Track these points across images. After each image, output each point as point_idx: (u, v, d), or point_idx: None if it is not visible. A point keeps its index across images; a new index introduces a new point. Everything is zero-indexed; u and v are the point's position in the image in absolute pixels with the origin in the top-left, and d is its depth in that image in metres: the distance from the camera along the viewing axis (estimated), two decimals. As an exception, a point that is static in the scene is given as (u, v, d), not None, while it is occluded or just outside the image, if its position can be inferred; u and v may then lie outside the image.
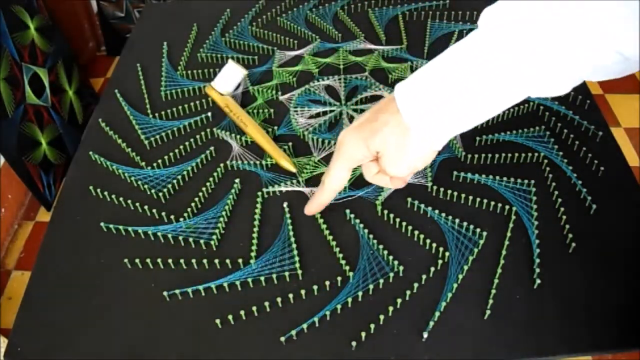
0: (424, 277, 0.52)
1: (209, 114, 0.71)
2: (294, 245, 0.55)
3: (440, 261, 0.53)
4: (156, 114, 0.72)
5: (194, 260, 0.54)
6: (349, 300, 0.50)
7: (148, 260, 0.54)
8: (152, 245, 0.56)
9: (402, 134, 0.45)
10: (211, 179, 0.62)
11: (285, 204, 0.59)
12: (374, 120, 0.47)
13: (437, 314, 0.49)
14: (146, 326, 0.50)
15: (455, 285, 0.51)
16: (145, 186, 0.62)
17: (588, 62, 0.38)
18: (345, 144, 0.48)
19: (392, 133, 0.46)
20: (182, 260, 0.54)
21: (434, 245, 0.54)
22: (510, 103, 0.43)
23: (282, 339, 0.48)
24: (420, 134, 0.45)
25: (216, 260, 0.54)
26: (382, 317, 0.49)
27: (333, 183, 0.51)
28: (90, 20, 2.00)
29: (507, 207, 0.57)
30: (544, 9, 0.38)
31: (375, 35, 0.83)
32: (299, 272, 0.53)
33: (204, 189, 0.61)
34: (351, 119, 0.69)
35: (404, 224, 0.56)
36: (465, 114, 0.44)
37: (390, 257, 0.53)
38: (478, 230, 0.55)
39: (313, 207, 0.55)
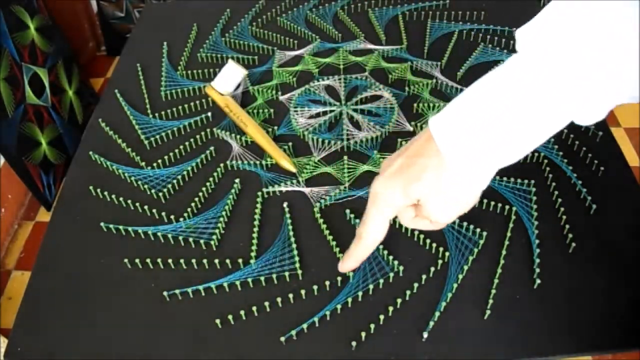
0: (424, 277, 0.52)
1: (209, 114, 0.71)
2: (294, 245, 0.55)
3: (440, 261, 0.53)
4: (156, 114, 0.72)
5: (194, 260, 0.54)
6: (349, 300, 0.50)
7: (148, 260, 0.54)
8: (152, 245, 0.56)
9: (445, 177, 0.41)
10: (211, 179, 0.62)
11: (285, 204, 0.59)
12: (412, 165, 0.42)
13: (437, 314, 0.49)
14: (146, 326, 0.50)
15: (455, 285, 0.51)
16: (145, 186, 0.62)
17: (633, 84, 0.35)
18: (382, 194, 0.44)
19: (434, 178, 0.41)
20: (182, 260, 0.54)
21: (434, 245, 0.54)
22: (555, 131, 0.40)
23: (282, 339, 0.48)
24: (465, 173, 0.41)
25: (216, 260, 0.54)
26: (382, 317, 0.49)
27: (372, 236, 0.46)
28: (90, 20, 2.00)
29: (507, 207, 0.57)
30: (584, 28, 0.35)
31: (375, 35, 0.83)
32: (299, 272, 0.53)
33: (204, 189, 0.61)
34: (351, 119, 0.69)
35: (404, 224, 0.56)
36: (512, 144, 0.40)
37: (390, 257, 0.53)
38: (478, 230, 0.55)
39: (350, 264, 0.49)
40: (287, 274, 0.53)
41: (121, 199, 0.60)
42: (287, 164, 0.62)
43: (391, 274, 0.52)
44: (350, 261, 0.48)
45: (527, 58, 0.39)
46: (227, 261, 0.54)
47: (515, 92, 0.39)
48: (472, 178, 0.42)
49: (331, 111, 0.71)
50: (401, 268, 0.52)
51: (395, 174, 0.43)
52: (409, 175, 0.42)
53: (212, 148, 0.66)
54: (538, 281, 0.50)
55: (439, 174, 0.41)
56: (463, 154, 0.40)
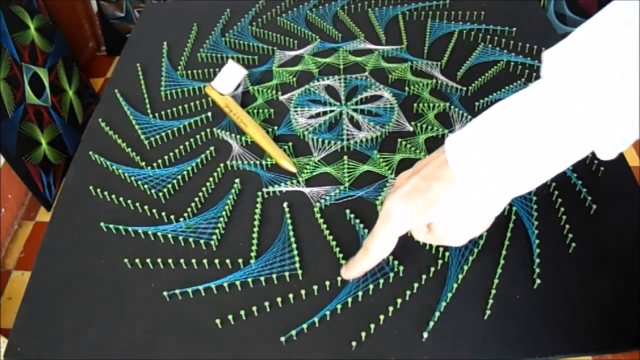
0: (424, 277, 0.52)
1: (209, 114, 0.71)
2: (294, 245, 0.55)
3: (440, 261, 0.53)
4: (156, 114, 0.72)
5: (194, 260, 0.54)
6: (349, 300, 0.50)
7: (148, 260, 0.54)
8: (152, 245, 0.56)
9: (459, 204, 0.41)
10: (211, 179, 0.62)
11: (285, 204, 0.59)
12: (427, 190, 0.42)
13: (437, 314, 0.49)
14: (146, 326, 0.50)
15: (455, 285, 0.51)
16: (145, 186, 0.62)
17: None
18: (394, 215, 0.43)
19: (448, 205, 0.41)
20: (182, 260, 0.54)
21: (434, 245, 0.54)
22: (573, 162, 0.39)
23: (282, 339, 0.48)
24: (479, 200, 0.41)
25: (216, 260, 0.54)
26: (382, 317, 0.49)
27: (379, 252, 0.46)
28: (90, 20, 2.00)
29: (507, 207, 0.57)
30: (611, 57, 0.34)
31: (375, 35, 0.83)
32: (299, 272, 0.53)
33: (204, 189, 0.61)
34: (351, 119, 0.69)
35: (404, 224, 0.56)
36: (530, 173, 0.39)
37: (390, 257, 0.53)
38: (478, 230, 0.55)
39: (353, 274, 0.49)
40: (287, 274, 0.53)
41: (121, 199, 0.60)
42: (287, 164, 0.62)
43: (391, 274, 0.52)
44: (354, 271, 0.49)
45: (551, 85, 0.37)
46: (227, 261, 0.54)
47: (537, 119, 0.37)
48: (486, 204, 0.41)
49: (331, 111, 0.71)
50: (401, 268, 0.52)
51: (408, 195, 0.43)
52: (422, 200, 0.42)
53: (212, 148, 0.66)
54: (538, 281, 0.50)
55: (453, 200, 0.41)
56: (478, 181, 0.39)
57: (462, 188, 0.40)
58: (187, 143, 0.66)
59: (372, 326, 0.48)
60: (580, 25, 0.38)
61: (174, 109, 0.71)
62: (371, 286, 0.51)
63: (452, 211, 0.42)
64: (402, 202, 0.43)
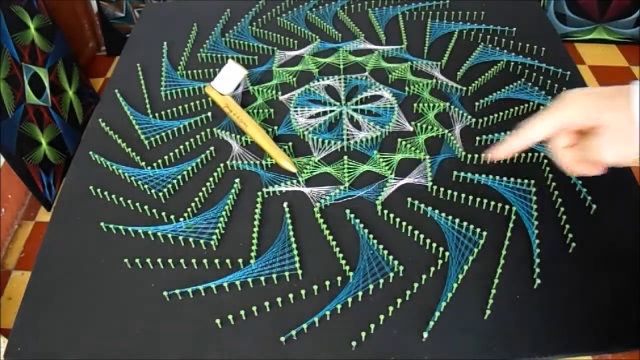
0: (424, 277, 0.52)
1: (209, 114, 0.71)
2: (294, 245, 0.55)
3: (440, 261, 0.53)
4: (156, 114, 0.72)
5: (194, 260, 0.54)
6: (349, 300, 0.50)
7: (148, 260, 0.54)
8: (152, 245, 0.56)
9: (630, 126, 0.42)
10: (211, 179, 0.62)
11: (285, 204, 0.59)
12: (609, 98, 0.44)
13: (437, 314, 0.49)
14: (146, 326, 0.50)
15: (455, 285, 0.51)
16: (145, 186, 0.62)
17: None
18: (574, 102, 0.44)
19: (624, 119, 0.43)
20: (182, 260, 0.54)
21: (434, 245, 0.54)
22: None
23: (282, 339, 0.48)
24: None
25: (216, 260, 0.54)
26: (382, 317, 0.49)
27: (538, 130, 0.46)
28: (90, 20, 2.00)
29: (507, 207, 0.57)
30: None
31: (375, 35, 0.83)
32: (299, 272, 0.53)
33: (204, 189, 0.61)
34: (351, 119, 0.69)
35: (404, 224, 0.56)
36: None
37: (390, 257, 0.53)
38: (478, 230, 0.55)
39: (500, 153, 0.49)
40: (287, 274, 0.53)
41: (121, 199, 0.60)
42: (287, 164, 0.62)
43: (391, 274, 0.52)
44: (502, 150, 0.48)
45: None
46: (227, 261, 0.54)
47: None
48: None
49: (331, 111, 0.71)
50: (401, 268, 0.52)
51: (592, 94, 0.44)
52: (607, 103, 0.43)
53: (212, 148, 0.66)
54: (538, 281, 0.50)
55: (628, 122, 0.42)
56: None
57: (635, 117, 0.41)
58: (187, 143, 0.66)
59: (372, 326, 0.48)
60: None
61: (174, 109, 0.71)
62: (371, 286, 0.51)
63: (625, 126, 0.43)
64: (586, 95, 0.44)
